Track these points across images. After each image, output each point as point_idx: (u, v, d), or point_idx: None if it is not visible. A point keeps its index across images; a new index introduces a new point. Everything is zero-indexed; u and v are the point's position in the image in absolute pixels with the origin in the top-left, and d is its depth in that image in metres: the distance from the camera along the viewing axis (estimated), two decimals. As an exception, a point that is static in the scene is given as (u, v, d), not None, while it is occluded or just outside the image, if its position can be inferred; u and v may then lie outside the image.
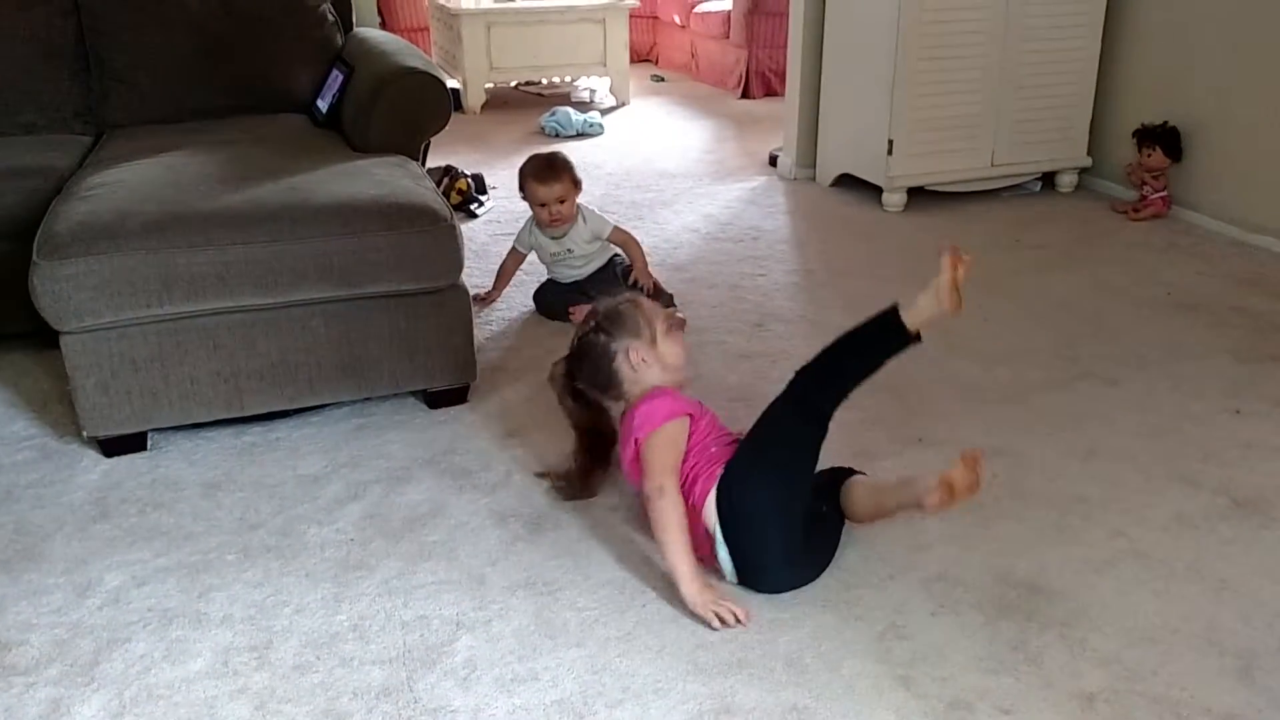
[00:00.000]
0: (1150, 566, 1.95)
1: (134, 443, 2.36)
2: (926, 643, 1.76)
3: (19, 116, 3.14)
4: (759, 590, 1.88)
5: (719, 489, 1.86)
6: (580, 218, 3.08)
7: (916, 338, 1.88)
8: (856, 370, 1.89)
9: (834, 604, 1.86)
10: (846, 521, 1.99)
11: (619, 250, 3.19)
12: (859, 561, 1.97)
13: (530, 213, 3.11)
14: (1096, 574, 1.93)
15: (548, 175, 3.00)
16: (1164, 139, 3.85)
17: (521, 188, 3.07)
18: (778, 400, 1.90)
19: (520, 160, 3.13)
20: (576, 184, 3.05)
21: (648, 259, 3.19)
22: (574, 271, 3.13)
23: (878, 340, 1.89)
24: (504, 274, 3.21)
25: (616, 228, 3.14)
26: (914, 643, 1.76)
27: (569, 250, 3.09)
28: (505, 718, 1.62)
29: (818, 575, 1.91)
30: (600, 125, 5.38)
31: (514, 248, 3.18)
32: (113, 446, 2.35)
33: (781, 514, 1.84)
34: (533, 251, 3.17)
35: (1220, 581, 1.91)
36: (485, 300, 3.16)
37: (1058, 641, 1.76)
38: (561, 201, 3.01)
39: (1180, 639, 1.77)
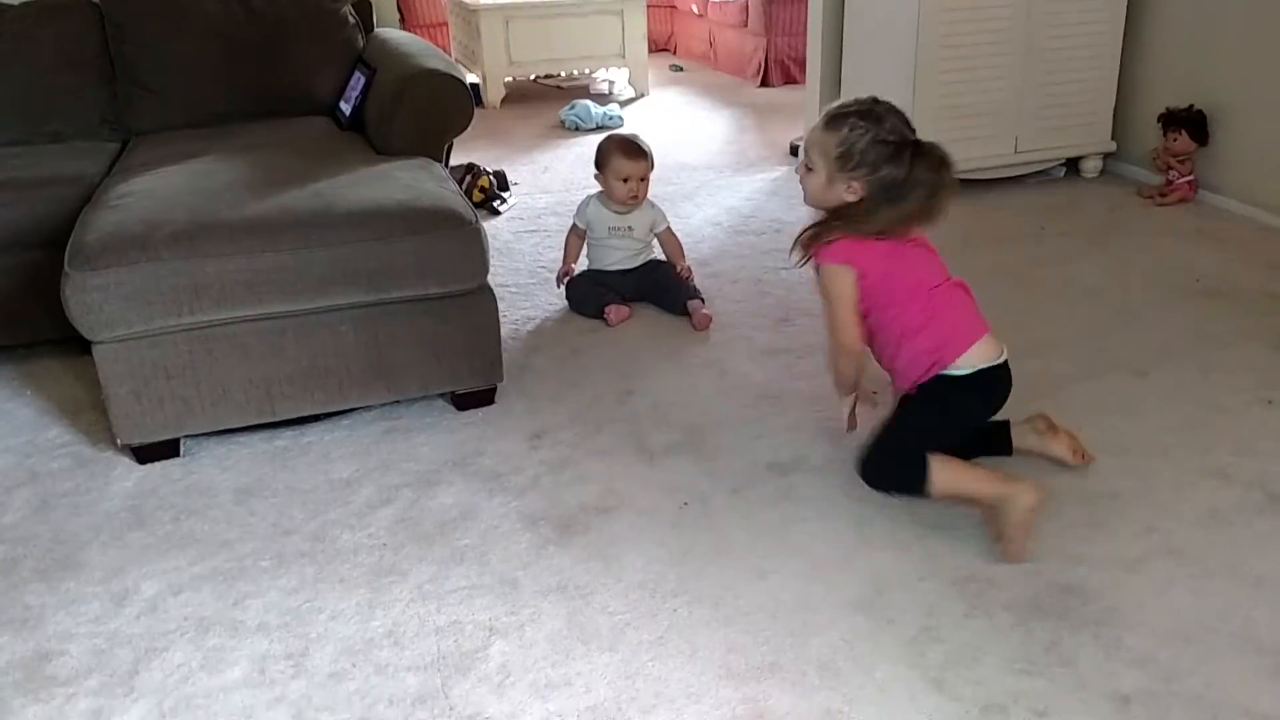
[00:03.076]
0: (1184, 563, 1.94)
1: (167, 449, 2.38)
2: (960, 645, 1.76)
3: (47, 125, 3.17)
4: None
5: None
6: (649, 202, 3.17)
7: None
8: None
9: (866, 607, 1.86)
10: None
11: (658, 254, 3.24)
12: (890, 563, 1.97)
13: (590, 191, 3.21)
14: (1129, 572, 1.92)
15: (635, 152, 3.09)
16: (1190, 123, 3.81)
17: (600, 164, 3.12)
18: None
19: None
20: (653, 165, 3.15)
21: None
22: (621, 255, 3.16)
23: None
24: (570, 249, 3.24)
25: (669, 227, 3.23)
26: (947, 645, 1.76)
27: (629, 227, 3.14)
28: (540, 724, 1.63)
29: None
30: (620, 118, 5.37)
31: (574, 225, 3.22)
32: (146, 454, 2.37)
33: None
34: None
35: (1256, 578, 1.89)
36: (562, 272, 3.22)
37: (1091, 641, 1.76)
38: (642, 179, 3.09)
39: (1217, 638, 1.76)
